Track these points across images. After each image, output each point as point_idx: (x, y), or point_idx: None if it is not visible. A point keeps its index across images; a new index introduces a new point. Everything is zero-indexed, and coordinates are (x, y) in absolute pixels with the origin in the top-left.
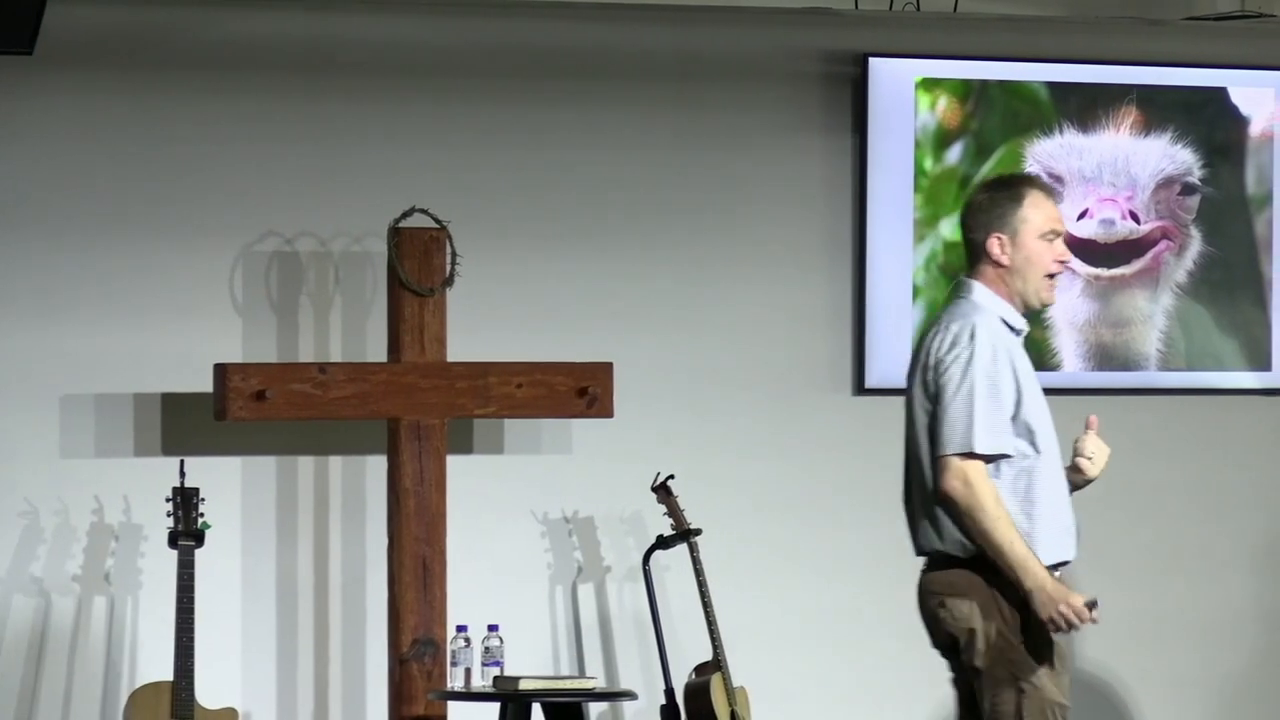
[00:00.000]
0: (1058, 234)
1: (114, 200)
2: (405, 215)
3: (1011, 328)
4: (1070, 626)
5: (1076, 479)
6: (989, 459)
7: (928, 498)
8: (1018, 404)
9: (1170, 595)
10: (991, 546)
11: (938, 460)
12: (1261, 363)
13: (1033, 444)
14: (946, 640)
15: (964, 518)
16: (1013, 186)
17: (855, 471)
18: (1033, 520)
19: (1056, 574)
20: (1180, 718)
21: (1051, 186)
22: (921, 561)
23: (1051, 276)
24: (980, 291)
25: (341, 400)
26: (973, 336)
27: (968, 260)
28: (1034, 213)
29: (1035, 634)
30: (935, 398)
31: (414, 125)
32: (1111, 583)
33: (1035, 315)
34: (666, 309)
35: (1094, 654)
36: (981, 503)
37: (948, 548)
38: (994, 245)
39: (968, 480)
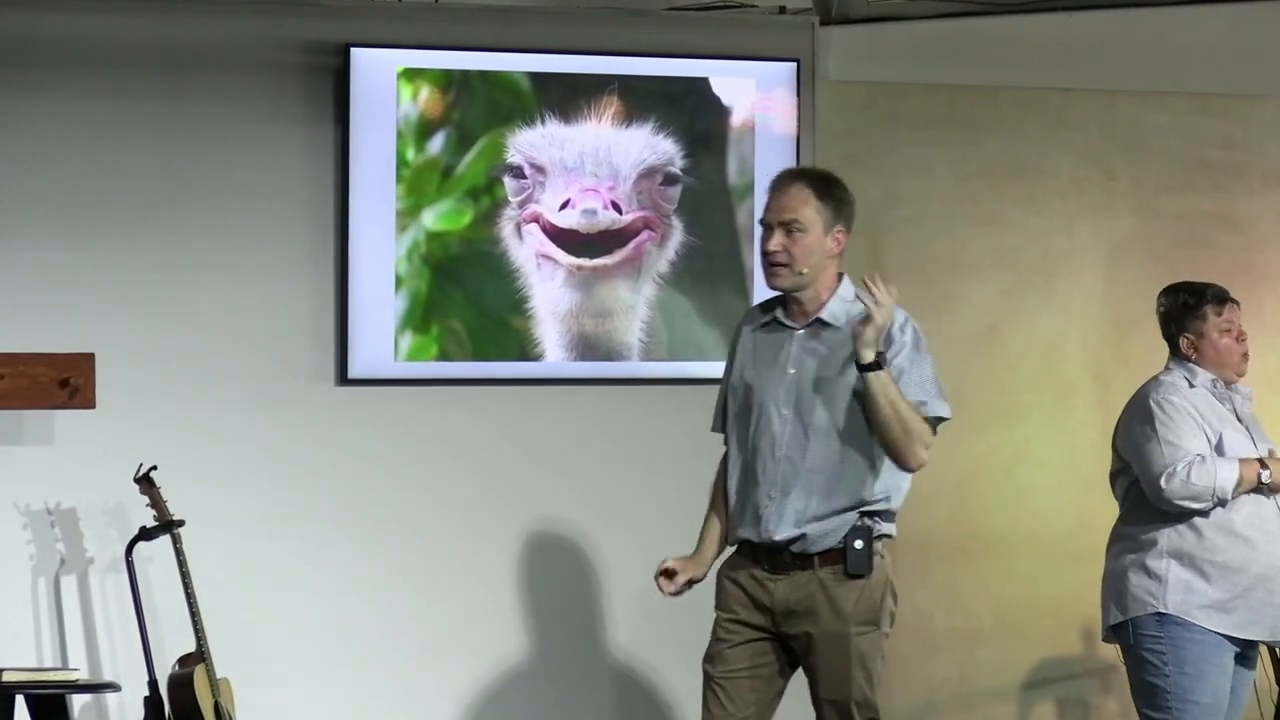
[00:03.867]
0: (766, 225)
1: None
2: None
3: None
4: None
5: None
6: None
7: None
8: None
9: (653, 591)
10: None
11: None
12: None
13: None
14: None
15: None
16: None
17: (338, 461)
18: None
19: None
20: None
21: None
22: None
23: (770, 265)
24: None
25: None
26: None
27: None
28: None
29: None
30: None
31: None
32: (596, 577)
33: (515, 305)
34: (149, 300)
35: (604, 646)
36: None
37: None
38: None
39: None
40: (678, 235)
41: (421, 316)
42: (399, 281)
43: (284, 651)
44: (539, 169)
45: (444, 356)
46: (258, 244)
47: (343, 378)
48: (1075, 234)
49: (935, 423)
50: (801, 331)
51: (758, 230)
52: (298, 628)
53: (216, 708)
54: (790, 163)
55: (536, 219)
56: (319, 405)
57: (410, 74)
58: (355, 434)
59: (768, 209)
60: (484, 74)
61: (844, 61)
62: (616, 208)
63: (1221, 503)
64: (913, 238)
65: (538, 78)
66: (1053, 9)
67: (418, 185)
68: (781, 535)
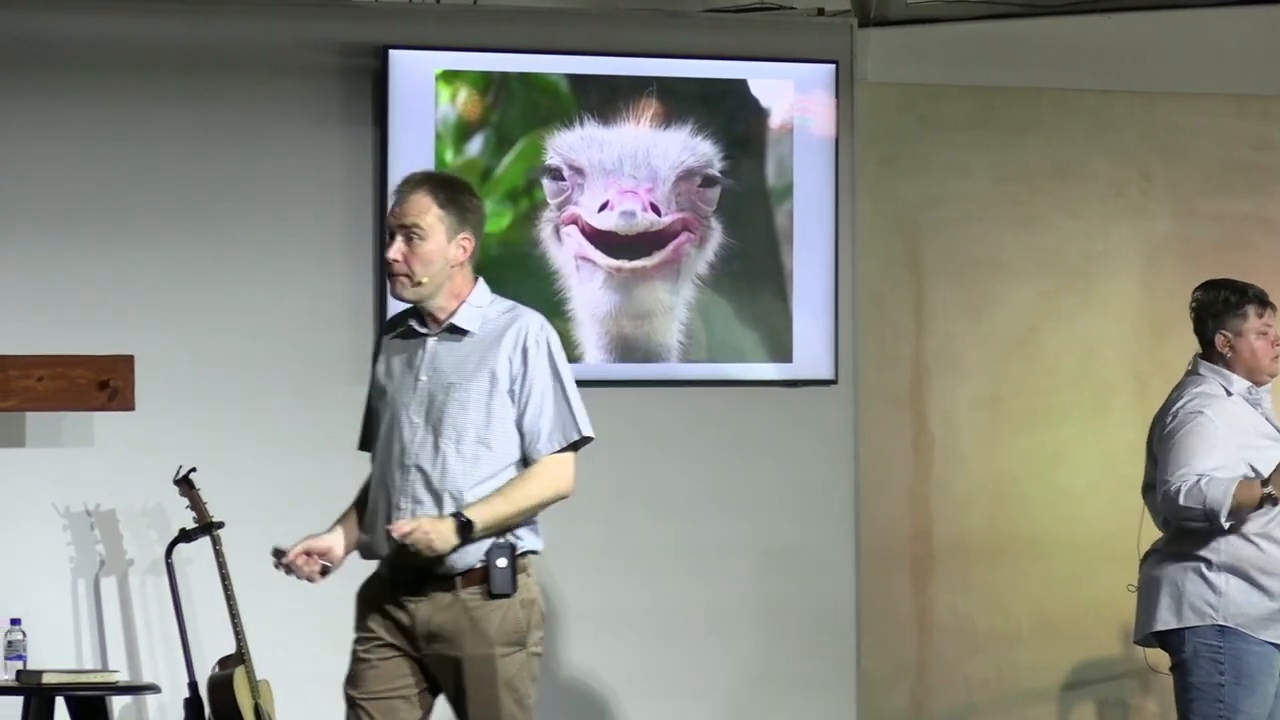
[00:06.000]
0: (390, 230)
1: None
2: None
3: None
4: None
5: None
6: None
7: None
8: None
9: (690, 590)
10: None
11: None
12: (783, 354)
13: None
14: None
15: None
16: None
17: None
18: None
19: None
20: (693, 713)
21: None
22: None
23: (390, 274)
24: None
25: None
26: None
27: None
28: None
29: None
30: None
31: None
32: (631, 579)
33: (555, 307)
34: (188, 302)
35: (616, 652)
36: None
37: None
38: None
39: None
40: (717, 237)
41: None
42: None
43: (324, 653)
44: (578, 171)
45: None
46: (297, 246)
47: None
48: (1113, 236)
49: (574, 445)
50: (434, 338)
51: (798, 234)
52: (337, 629)
53: (256, 709)
54: (829, 165)
55: (575, 221)
56: (358, 407)
57: (449, 76)
58: None
59: (390, 213)
60: (522, 76)
61: (882, 63)
62: (655, 209)
63: (1220, 522)
64: (951, 240)
65: (576, 79)
66: (1091, 11)
67: None
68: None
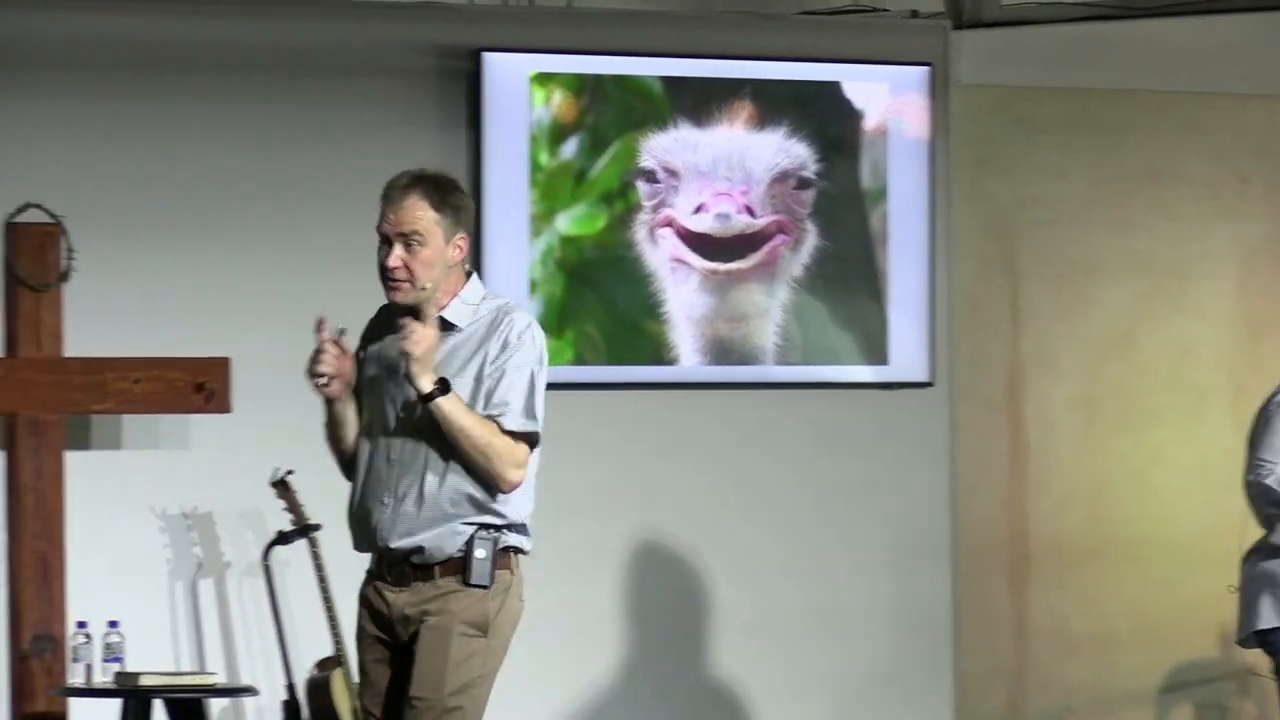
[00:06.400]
0: (384, 237)
1: None
2: (20, 210)
3: None
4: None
5: None
6: None
7: None
8: None
9: (787, 593)
10: None
11: None
12: (878, 356)
13: None
14: None
15: None
16: None
17: None
18: None
19: None
20: (792, 715)
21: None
22: None
23: (389, 281)
24: None
25: None
26: None
27: None
28: None
29: None
30: None
31: (29, 119)
32: (728, 582)
33: (650, 309)
34: (284, 304)
35: (714, 654)
36: None
37: None
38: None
39: None
40: (811, 239)
41: (556, 321)
42: (533, 286)
43: None
44: (672, 173)
45: (579, 361)
46: None
47: None
48: (1209, 238)
49: (527, 439)
50: None
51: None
52: None
53: (354, 712)
54: (924, 167)
55: (670, 223)
56: None
57: (543, 78)
58: None
59: (383, 219)
60: (617, 78)
61: (976, 65)
62: (750, 212)
63: None
64: (1046, 242)
65: (670, 82)
66: (1185, 12)
67: (551, 189)
68: (396, 544)
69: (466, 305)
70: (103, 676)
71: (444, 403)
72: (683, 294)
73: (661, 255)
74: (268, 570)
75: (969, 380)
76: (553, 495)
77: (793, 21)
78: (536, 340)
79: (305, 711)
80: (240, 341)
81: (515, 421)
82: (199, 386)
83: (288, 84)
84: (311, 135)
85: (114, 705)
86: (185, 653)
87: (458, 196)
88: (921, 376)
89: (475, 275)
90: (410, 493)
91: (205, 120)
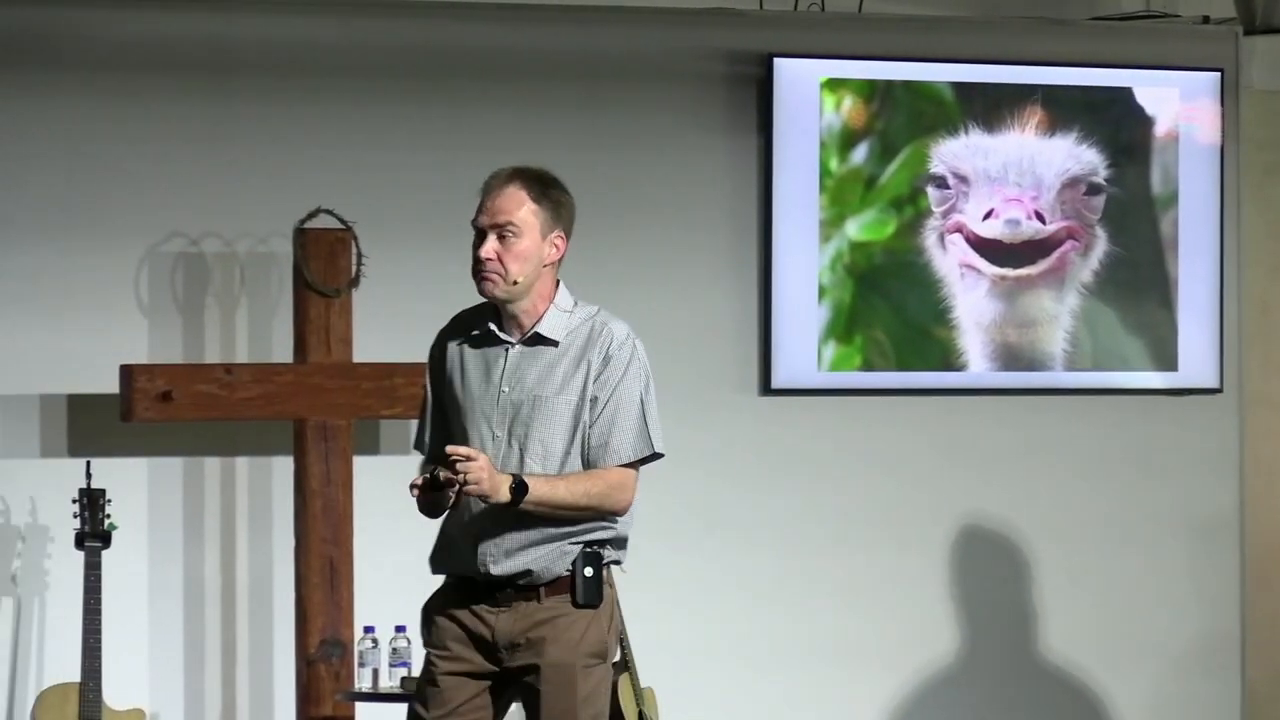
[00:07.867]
0: (478, 229)
1: (19, 200)
2: (311, 216)
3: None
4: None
5: None
6: None
7: None
8: None
9: (1069, 603)
10: None
11: None
12: (1168, 363)
13: None
14: None
15: None
16: None
17: (760, 470)
18: None
19: None
20: None
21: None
22: None
23: (481, 272)
24: None
25: (247, 401)
26: None
27: None
28: None
29: None
30: None
31: (320, 126)
32: (1011, 590)
33: (938, 315)
34: None
35: (1038, 654)
36: None
37: None
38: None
39: None
40: (1101, 245)
41: (845, 326)
42: (822, 291)
43: (705, 661)
44: (962, 179)
45: (867, 366)
46: (681, 255)
47: (766, 388)
48: None
49: (642, 461)
50: (517, 346)
51: (1183, 242)
52: (719, 637)
53: (641, 716)
54: (1215, 173)
55: (960, 229)
56: (742, 415)
57: (833, 84)
58: (778, 443)
59: (480, 210)
60: (907, 84)
61: (1268, 71)
62: (1040, 218)
63: None
64: None
65: (961, 87)
66: None
67: (841, 195)
68: (500, 570)
69: (562, 314)
70: (389, 681)
71: (531, 498)
72: (972, 300)
73: (951, 261)
74: None
75: (1259, 387)
76: (842, 500)
77: (1083, 27)
78: (639, 355)
79: None
80: None
81: (615, 458)
82: None
83: (576, 90)
84: (600, 142)
85: (400, 710)
86: None
87: (558, 192)
88: (1211, 383)
89: (562, 282)
90: (509, 519)
91: (491, 127)
